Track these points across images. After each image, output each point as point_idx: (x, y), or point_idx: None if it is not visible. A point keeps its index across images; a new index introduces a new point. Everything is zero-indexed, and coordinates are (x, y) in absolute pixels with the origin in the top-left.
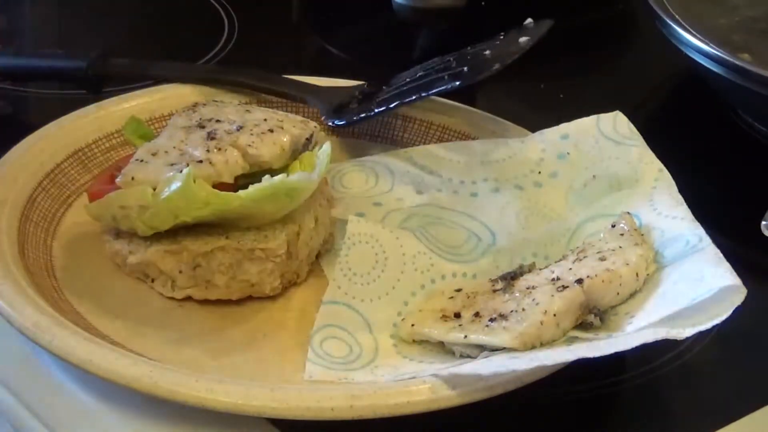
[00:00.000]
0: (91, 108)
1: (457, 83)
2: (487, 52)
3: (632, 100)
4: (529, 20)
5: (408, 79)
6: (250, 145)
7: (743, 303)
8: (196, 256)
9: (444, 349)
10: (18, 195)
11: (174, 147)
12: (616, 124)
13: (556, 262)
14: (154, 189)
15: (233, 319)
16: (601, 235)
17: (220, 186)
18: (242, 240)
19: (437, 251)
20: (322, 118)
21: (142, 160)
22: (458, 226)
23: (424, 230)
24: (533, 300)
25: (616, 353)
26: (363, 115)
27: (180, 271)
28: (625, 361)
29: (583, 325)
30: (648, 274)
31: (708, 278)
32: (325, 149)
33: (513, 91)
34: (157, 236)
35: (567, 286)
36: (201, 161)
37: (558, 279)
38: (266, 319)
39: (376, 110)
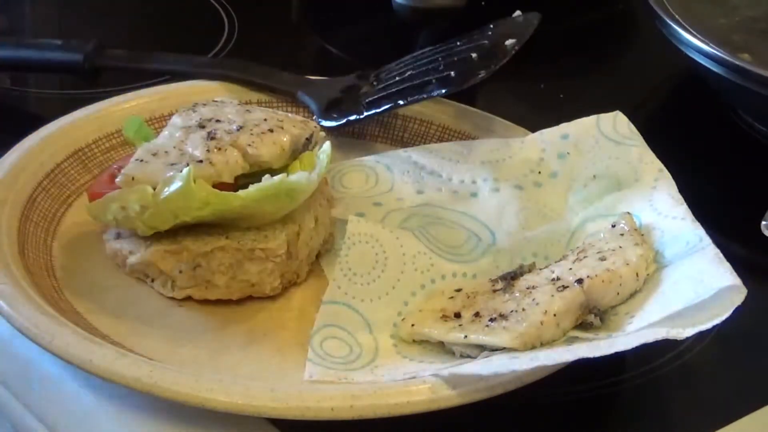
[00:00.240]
0: (91, 108)
1: (443, 90)
2: (474, 55)
3: (632, 100)
4: (517, 12)
5: (397, 78)
6: (250, 145)
7: (743, 303)
8: (196, 256)
9: (444, 349)
10: (18, 195)
11: (174, 147)
12: (616, 124)
13: (556, 262)
14: (154, 189)
15: (233, 319)
16: (601, 235)
17: (220, 186)
18: (242, 240)
19: (437, 251)
20: (314, 117)
21: (142, 160)
22: (458, 226)
23: (424, 230)
24: (533, 300)
25: (616, 353)
26: (353, 117)
27: (180, 271)
28: (625, 361)
29: (583, 325)
30: (648, 274)
31: (708, 278)
32: (325, 149)
33: (513, 91)
34: (157, 236)
35: (567, 286)
36: (201, 161)
37: (558, 279)
38: (266, 319)
39: (366, 113)
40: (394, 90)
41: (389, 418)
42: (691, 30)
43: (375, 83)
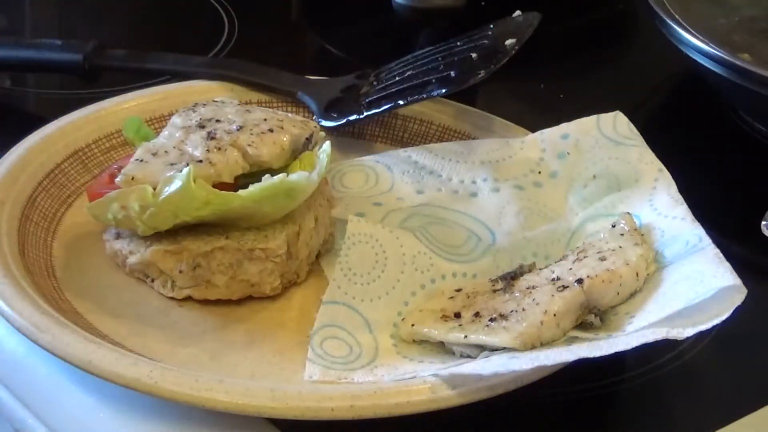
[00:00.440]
0: (91, 108)
1: (443, 90)
2: (474, 55)
3: (632, 100)
4: (517, 12)
5: (397, 78)
6: (250, 145)
7: (743, 303)
8: (196, 256)
9: (444, 349)
10: (18, 195)
11: (174, 147)
12: (616, 124)
13: (556, 262)
14: (154, 189)
15: (233, 319)
16: (601, 235)
17: (220, 186)
18: (242, 240)
19: (437, 251)
20: (314, 117)
21: (142, 160)
22: (458, 226)
23: (424, 230)
24: (533, 300)
25: (616, 353)
26: (353, 117)
27: (180, 271)
28: (625, 361)
29: (583, 325)
30: (648, 274)
31: (708, 278)
32: (325, 149)
33: (513, 91)
34: (157, 236)
35: (567, 286)
36: (201, 161)
37: (558, 279)
38: (266, 319)
39: (366, 113)
40: (394, 90)
41: (389, 418)
42: (691, 30)
43: (375, 83)
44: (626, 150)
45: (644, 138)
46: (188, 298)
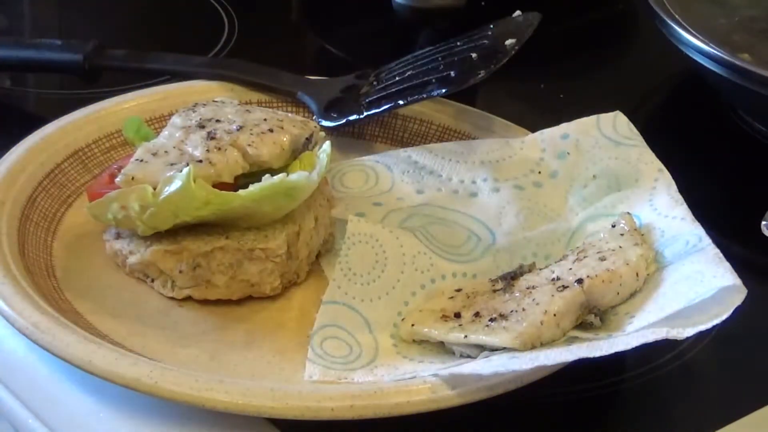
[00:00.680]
0: (91, 108)
1: (443, 90)
2: (474, 55)
3: (632, 100)
4: (517, 12)
5: (397, 78)
6: (250, 145)
7: (743, 303)
8: (196, 256)
9: (444, 349)
10: (18, 195)
11: (174, 147)
12: (616, 124)
13: (556, 262)
14: (154, 189)
15: (233, 319)
16: (601, 235)
17: (220, 186)
18: (242, 240)
19: (437, 251)
20: (314, 117)
21: (142, 160)
22: (458, 226)
23: (424, 230)
24: (533, 300)
25: (616, 353)
26: (353, 117)
27: (180, 271)
28: (625, 361)
29: (583, 325)
30: (648, 274)
31: (708, 278)
32: (325, 149)
33: (513, 91)
34: (157, 236)
35: (567, 286)
36: (201, 161)
37: (558, 279)
38: (266, 319)
39: (366, 113)
40: (394, 90)
41: (389, 418)
42: (691, 30)
43: (375, 83)
44: (626, 150)
45: (644, 138)
46: (188, 298)
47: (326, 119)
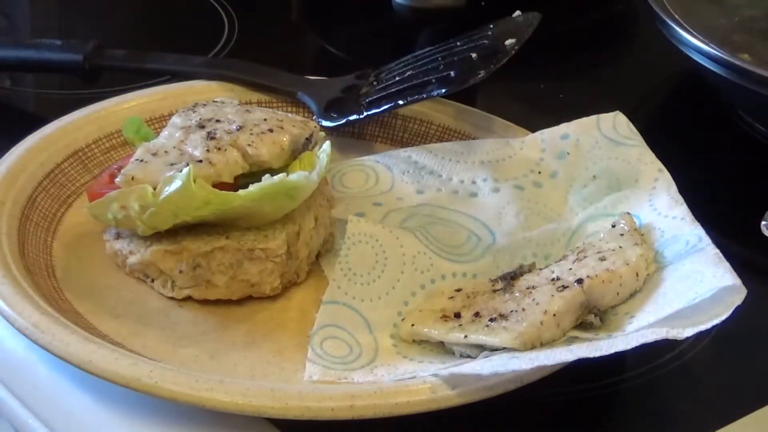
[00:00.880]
0: (91, 108)
1: (443, 90)
2: (474, 55)
3: (632, 100)
4: (517, 12)
5: (397, 78)
6: (249, 145)
7: (743, 303)
8: (196, 256)
9: (444, 349)
10: (18, 195)
11: (174, 147)
12: (616, 124)
13: (556, 262)
14: (154, 189)
15: (233, 319)
16: (601, 235)
17: (220, 186)
18: (242, 240)
19: (437, 251)
20: (314, 117)
21: (142, 160)
22: (458, 226)
23: (424, 230)
24: (533, 300)
25: (616, 353)
26: (353, 117)
27: (180, 271)
28: (625, 361)
29: (583, 325)
30: (648, 274)
31: (708, 278)
32: (325, 149)
33: (513, 91)
34: (157, 236)
35: (567, 286)
36: (201, 161)
37: (558, 279)
38: (266, 319)
39: (366, 113)
40: (394, 90)
41: (389, 418)
42: (691, 30)
43: (375, 83)
44: (626, 150)
45: (644, 138)
46: (188, 298)
47: (326, 119)
